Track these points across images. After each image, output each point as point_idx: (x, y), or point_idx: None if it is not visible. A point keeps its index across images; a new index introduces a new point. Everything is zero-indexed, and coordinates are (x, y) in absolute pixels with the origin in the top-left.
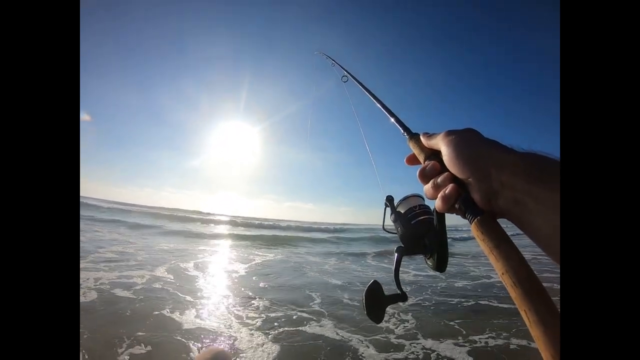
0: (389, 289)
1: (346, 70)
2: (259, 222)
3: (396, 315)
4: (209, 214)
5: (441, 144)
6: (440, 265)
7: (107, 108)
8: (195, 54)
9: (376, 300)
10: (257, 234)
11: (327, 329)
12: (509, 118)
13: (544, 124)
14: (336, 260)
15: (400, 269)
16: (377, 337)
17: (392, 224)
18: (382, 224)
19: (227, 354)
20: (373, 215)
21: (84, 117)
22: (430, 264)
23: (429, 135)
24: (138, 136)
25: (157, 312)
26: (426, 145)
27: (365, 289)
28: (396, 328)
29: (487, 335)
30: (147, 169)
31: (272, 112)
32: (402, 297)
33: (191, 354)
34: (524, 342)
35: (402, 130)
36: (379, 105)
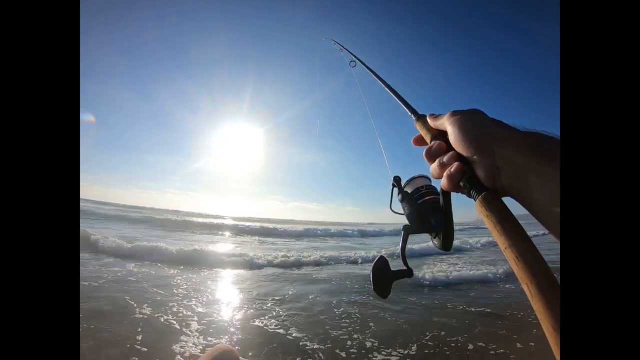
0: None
1: (354, 55)
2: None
3: None
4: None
5: (447, 124)
6: (446, 243)
7: (110, 110)
8: (197, 54)
9: (382, 276)
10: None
11: None
12: (513, 102)
13: (552, 110)
14: None
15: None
16: None
17: (399, 204)
18: (389, 204)
19: (235, 353)
20: (382, 215)
21: (89, 118)
22: (437, 242)
23: (435, 116)
24: (140, 138)
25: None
26: (432, 126)
27: (372, 265)
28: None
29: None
30: (149, 171)
31: (277, 113)
32: (408, 272)
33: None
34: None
35: (409, 112)
36: (386, 88)
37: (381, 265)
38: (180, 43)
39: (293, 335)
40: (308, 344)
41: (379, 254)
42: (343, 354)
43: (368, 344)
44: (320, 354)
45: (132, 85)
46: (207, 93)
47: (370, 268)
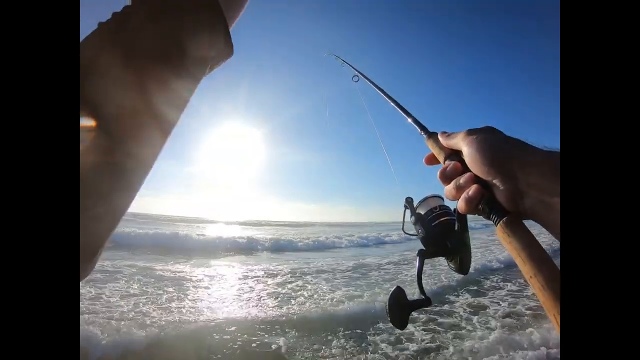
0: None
1: (357, 70)
2: None
3: None
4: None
5: (462, 144)
6: (463, 267)
7: None
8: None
9: (399, 307)
10: None
11: None
12: (522, 114)
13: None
14: None
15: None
16: None
17: (412, 226)
18: (401, 226)
19: None
20: (380, 213)
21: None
22: (453, 266)
23: (448, 135)
24: None
25: None
26: (445, 145)
27: (389, 295)
28: None
29: None
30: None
31: (274, 114)
32: (426, 302)
33: None
34: None
35: (419, 130)
36: (392, 104)
37: (397, 295)
38: None
39: None
40: None
41: (396, 285)
42: None
43: None
44: None
45: None
46: (202, 97)
47: (387, 299)
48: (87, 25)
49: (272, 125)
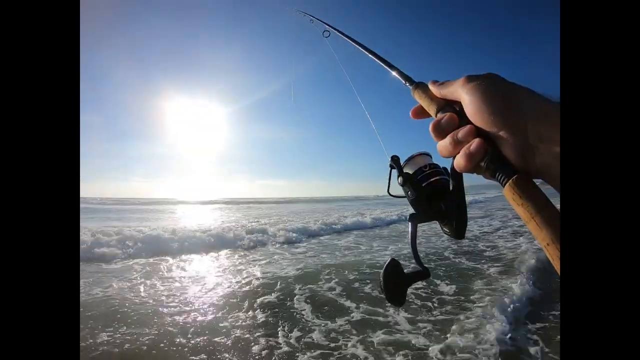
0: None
1: (327, 24)
2: None
3: None
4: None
5: (461, 92)
6: (460, 231)
7: None
8: (152, 30)
9: (395, 281)
10: None
11: None
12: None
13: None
14: None
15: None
16: None
17: (400, 187)
18: (387, 187)
19: None
20: (352, 187)
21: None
22: (448, 230)
23: (441, 84)
24: (108, 126)
25: None
26: (438, 95)
27: (382, 269)
28: None
29: None
30: (114, 160)
31: (243, 93)
32: (424, 273)
33: None
34: None
35: (402, 80)
36: (371, 55)
37: (393, 269)
38: (139, 21)
39: None
40: None
41: (390, 257)
42: None
43: None
44: None
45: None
46: (163, 72)
47: (381, 274)
48: (87, 25)
49: (241, 104)
